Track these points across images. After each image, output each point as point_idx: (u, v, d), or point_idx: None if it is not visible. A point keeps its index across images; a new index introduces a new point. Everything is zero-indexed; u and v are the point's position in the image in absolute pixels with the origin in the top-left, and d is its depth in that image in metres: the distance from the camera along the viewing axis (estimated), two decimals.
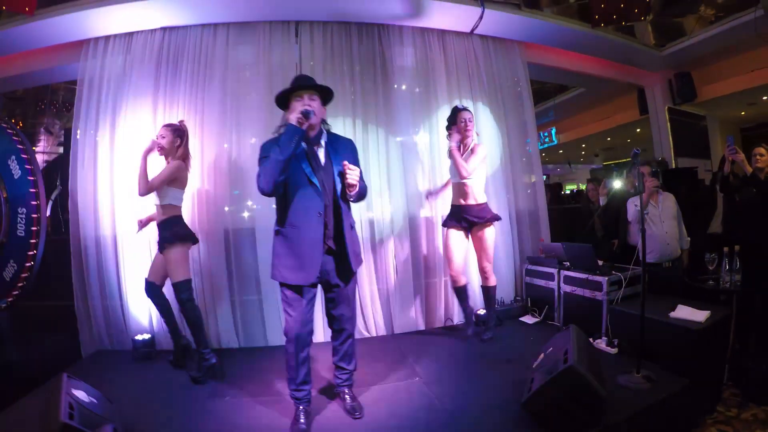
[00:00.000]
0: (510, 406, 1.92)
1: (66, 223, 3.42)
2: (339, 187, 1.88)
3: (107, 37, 3.30)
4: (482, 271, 2.91)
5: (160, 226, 2.61)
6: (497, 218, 2.89)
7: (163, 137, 2.59)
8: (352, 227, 1.96)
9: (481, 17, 3.43)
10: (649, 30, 4.63)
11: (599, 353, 2.46)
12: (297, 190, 1.83)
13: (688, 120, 5.47)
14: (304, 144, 1.85)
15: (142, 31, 3.29)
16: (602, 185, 3.64)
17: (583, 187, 11.03)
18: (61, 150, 5.38)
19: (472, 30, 3.57)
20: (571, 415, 1.70)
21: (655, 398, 1.93)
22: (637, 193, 3.09)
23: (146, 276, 2.74)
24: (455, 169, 2.82)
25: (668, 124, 5.18)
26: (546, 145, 8.93)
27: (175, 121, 2.78)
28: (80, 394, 1.73)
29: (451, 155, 2.82)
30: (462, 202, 2.86)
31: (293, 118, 1.76)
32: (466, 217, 2.83)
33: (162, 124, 2.74)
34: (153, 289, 2.71)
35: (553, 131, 8.68)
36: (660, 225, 2.98)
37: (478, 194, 2.85)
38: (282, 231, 1.87)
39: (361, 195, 1.95)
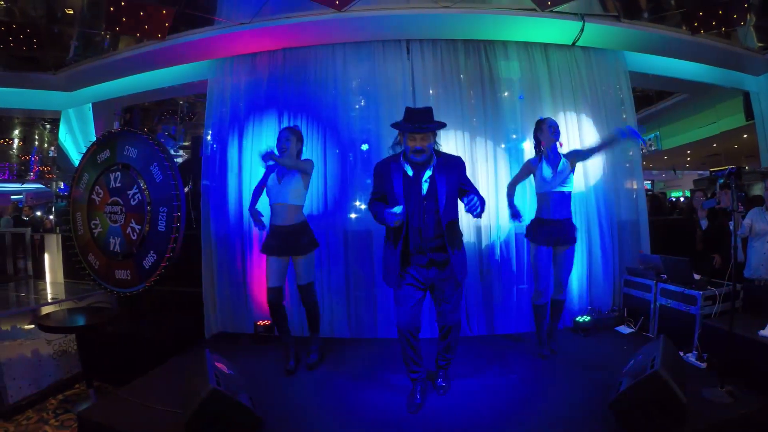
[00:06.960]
0: (597, 406, 2.05)
1: (196, 220, 3.82)
2: (442, 205, 2.09)
3: (233, 58, 3.71)
4: (558, 285, 2.83)
5: (295, 228, 2.60)
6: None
7: (288, 140, 2.65)
8: (457, 240, 2.19)
9: (581, 30, 3.49)
10: (753, 32, 4.38)
11: (686, 365, 2.48)
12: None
13: None
14: (410, 170, 2.13)
15: (265, 52, 3.67)
16: (701, 206, 3.52)
17: (687, 193, 10.68)
18: (180, 153, 6.08)
19: (574, 42, 3.63)
20: (653, 418, 1.81)
21: (735, 413, 1.98)
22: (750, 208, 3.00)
23: (272, 284, 2.60)
24: (553, 176, 2.70)
25: None
26: (651, 152, 8.56)
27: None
28: (222, 367, 2.02)
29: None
30: (557, 216, 2.70)
31: (390, 220, 1.98)
32: (556, 236, 2.70)
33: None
34: (281, 295, 2.65)
35: (658, 137, 8.31)
36: (764, 243, 2.79)
37: (568, 206, 2.76)
38: (386, 242, 2.23)
39: (483, 209, 2.04)
